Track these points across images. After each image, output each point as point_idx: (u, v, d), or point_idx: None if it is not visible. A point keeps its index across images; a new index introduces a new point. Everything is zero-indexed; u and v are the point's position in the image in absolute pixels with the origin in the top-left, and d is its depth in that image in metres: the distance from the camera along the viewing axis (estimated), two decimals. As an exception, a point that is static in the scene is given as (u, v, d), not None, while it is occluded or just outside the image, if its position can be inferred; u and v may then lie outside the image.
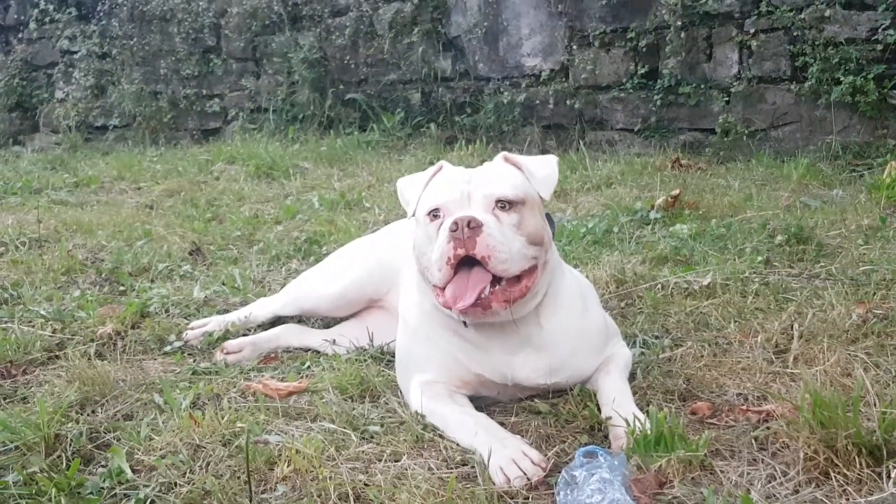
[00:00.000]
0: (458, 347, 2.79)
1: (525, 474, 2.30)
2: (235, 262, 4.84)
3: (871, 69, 6.92)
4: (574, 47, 8.59)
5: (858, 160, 6.83)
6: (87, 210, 6.72)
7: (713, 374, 2.99)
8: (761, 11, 7.43)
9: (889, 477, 2.15)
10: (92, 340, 3.59)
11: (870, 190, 5.65)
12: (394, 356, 3.09)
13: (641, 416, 2.50)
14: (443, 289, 2.61)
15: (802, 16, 7.18)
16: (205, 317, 3.85)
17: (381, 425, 2.70)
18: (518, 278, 2.62)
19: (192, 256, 4.97)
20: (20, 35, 12.55)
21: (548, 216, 2.86)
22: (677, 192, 5.50)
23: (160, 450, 2.55)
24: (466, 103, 9.36)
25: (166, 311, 3.97)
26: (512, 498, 2.25)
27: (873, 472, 2.17)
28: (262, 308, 3.82)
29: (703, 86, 7.84)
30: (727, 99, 7.72)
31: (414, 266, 2.82)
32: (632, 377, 2.96)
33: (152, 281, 4.51)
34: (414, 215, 2.84)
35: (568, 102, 8.63)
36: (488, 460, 2.36)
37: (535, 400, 2.83)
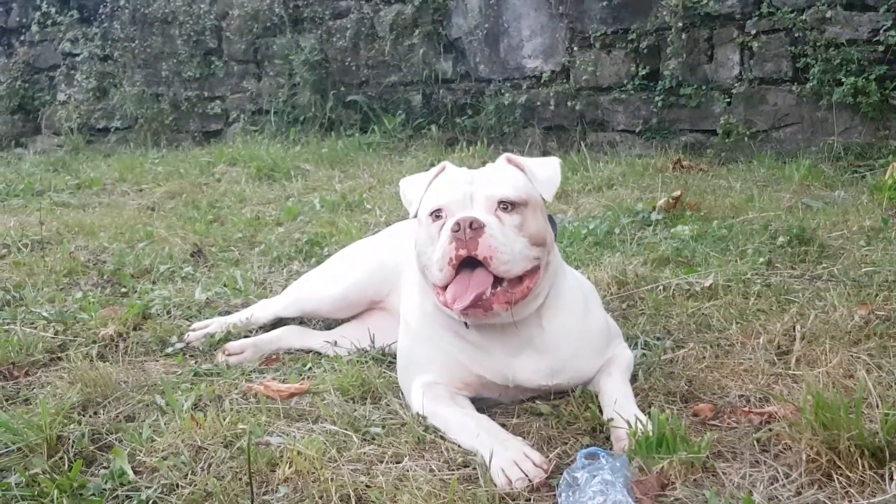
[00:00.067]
0: (459, 349, 2.79)
1: (526, 476, 2.30)
2: (237, 264, 4.84)
3: (873, 70, 6.92)
4: (575, 49, 8.59)
5: (860, 161, 6.83)
6: (89, 212, 6.72)
7: (715, 375, 2.99)
8: (762, 13, 7.43)
9: (892, 479, 2.15)
10: (94, 342, 3.59)
11: (872, 191, 5.65)
12: (395, 358, 3.09)
13: (643, 417, 2.50)
14: (443, 288, 2.61)
15: (804, 17, 7.19)
16: (206, 318, 3.85)
17: (383, 427, 2.70)
18: (520, 279, 2.62)
19: (194, 258, 4.97)
20: (22, 37, 12.55)
21: (550, 218, 2.86)
22: (679, 193, 5.50)
23: (162, 451, 2.55)
24: (467, 105, 9.36)
25: (168, 312, 3.98)
26: (513, 500, 2.25)
27: (876, 474, 2.17)
28: (263, 310, 3.82)
29: (704, 87, 7.83)
30: (728, 100, 7.72)
31: (415, 266, 2.82)
32: (633, 379, 2.96)
33: (154, 282, 4.51)
34: (416, 215, 2.83)
35: (569, 104, 8.63)
36: (490, 462, 2.36)
37: (537, 401, 2.83)
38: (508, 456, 2.35)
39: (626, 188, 6.48)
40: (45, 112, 12.38)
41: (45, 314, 3.87)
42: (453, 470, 2.42)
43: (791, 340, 3.20)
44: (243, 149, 9.20)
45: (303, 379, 3.17)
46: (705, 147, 7.88)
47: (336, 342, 3.51)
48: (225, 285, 4.37)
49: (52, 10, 12.01)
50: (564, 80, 8.77)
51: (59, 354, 3.48)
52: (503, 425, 2.64)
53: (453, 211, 2.64)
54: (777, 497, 2.19)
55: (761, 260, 4.22)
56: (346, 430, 2.66)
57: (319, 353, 3.51)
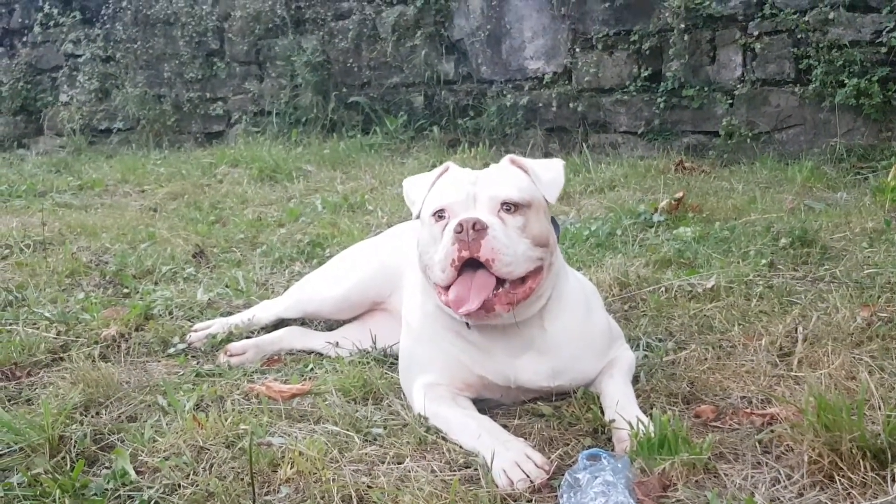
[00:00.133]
0: (461, 349, 2.79)
1: (528, 477, 2.29)
2: (239, 265, 4.84)
3: (876, 71, 6.92)
4: (577, 50, 8.59)
5: (863, 163, 6.83)
6: (92, 213, 6.72)
7: (717, 377, 2.99)
8: (765, 14, 7.43)
9: (894, 480, 2.15)
10: (96, 342, 3.60)
11: (874, 193, 5.64)
12: (397, 359, 3.09)
13: (645, 418, 2.50)
14: (445, 289, 2.61)
15: (806, 18, 7.18)
16: (208, 319, 3.85)
17: (384, 427, 2.70)
18: (522, 280, 2.62)
19: (196, 259, 4.97)
20: (24, 38, 12.57)
21: (552, 219, 2.86)
22: (681, 194, 5.50)
23: (164, 451, 2.55)
24: (469, 106, 9.36)
25: (170, 313, 3.98)
26: (515, 501, 2.24)
27: (878, 476, 2.17)
28: (265, 310, 3.82)
29: (706, 88, 7.83)
30: (731, 101, 7.71)
31: (417, 266, 2.82)
32: (635, 380, 2.96)
33: (156, 283, 4.51)
34: (419, 215, 2.83)
35: (571, 105, 8.63)
36: (491, 463, 2.36)
37: (539, 402, 2.83)
38: (510, 457, 2.35)
39: (627, 190, 6.48)
40: (48, 113, 12.39)
41: (47, 315, 3.87)
42: (455, 471, 2.42)
43: (793, 342, 3.20)
44: (245, 150, 9.21)
45: (304, 380, 3.17)
46: (707, 148, 7.88)
47: (338, 343, 3.51)
48: (227, 286, 4.37)
49: (55, 11, 12.03)
50: (566, 82, 8.77)
51: (62, 355, 3.48)
52: (505, 426, 2.64)
53: (456, 211, 2.64)
54: (779, 498, 2.19)
55: (763, 261, 4.22)
56: (347, 430, 2.66)
57: (321, 354, 3.51)
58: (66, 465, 2.50)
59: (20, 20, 12.56)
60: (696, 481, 2.27)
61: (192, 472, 2.42)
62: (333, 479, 2.33)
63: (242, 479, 2.36)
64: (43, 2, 12.10)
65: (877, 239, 4.55)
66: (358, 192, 7.00)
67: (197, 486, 2.34)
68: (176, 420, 2.77)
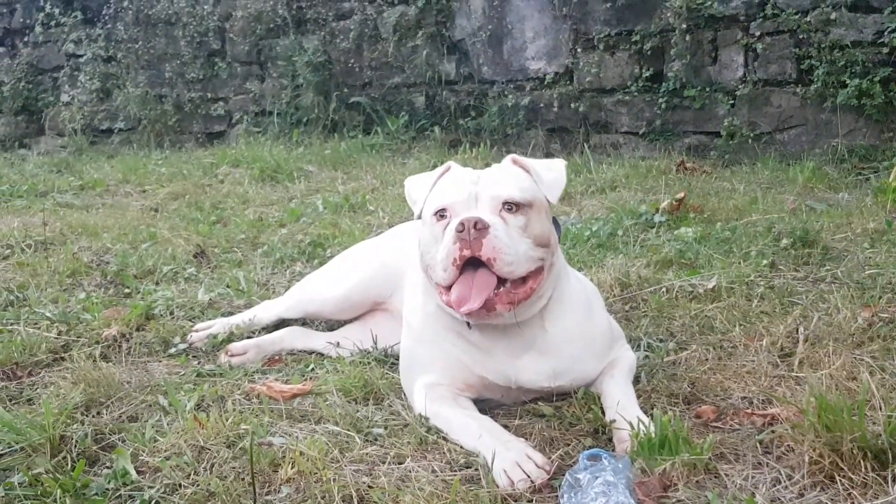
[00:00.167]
0: (462, 350, 2.79)
1: (529, 477, 2.29)
2: (240, 265, 4.84)
3: (878, 72, 6.91)
4: (578, 50, 8.59)
5: (864, 163, 6.83)
6: (93, 213, 6.73)
7: (718, 377, 2.99)
8: (767, 14, 7.42)
9: (895, 481, 2.15)
10: (97, 342, 3.60)
11: (876, 193, 5.64)
12: (397, 359, 3.09)
13: (646, 419, 2.50)
14: (447, 288, 2.61)
15: (808, 18, 7.18)
16: (209, 319, 3.86)
17: (385, 428, 2.70)
18: (523, 280, 2.62)
19: (197, 259, 4.97)
20: (26, 38, 12.57)
21: (554, 220, 2.86)
22: (682, 195, 5.50)
23: (165, 451, 2.55)
24: (470, 106, 9.36)
25: (171, 313, 3.98)
26: (516, 501, 2.25)
27: (878, 476, 2.17)
28: (266, 310, 3.82)
29: (708, 89, 7.83)
30: (732, 102, 7.71)
31: (418, 266, 2.82)
32: (636, 380, 2.96)
33: (157, 283, 4.51)
34: (420, 214, 2.83)
35: (572, 105, 8.63)
36: (492, 463, 2.36)
37: (539, 403, 2.83)
38: (511, 457, 2.35)
39: (629, 190, 6.48)
40: (49, 113, 12.40)
41: (48, 314, 3.87)
42: (455, 471, 2.42)
43: (794, 342, 3.20)
44: (246, 150, 9.21)
45: (305, 380, 3.17)
46: (709, 149, 7.88)
47: (339, 343, 3.51)
48: (228, 286, 4.37)
49: (56, 11, 12.03)
50: (568, 82, 8.77)
51: (63, 355, 3.48)
52: (505, 426, 2.64)
53: (458, 211, 2.64)
54: (779, 499, 2.19)
55: (765, 262, 4.22)
56: (348, 430, 2.66)
57: (322, 354, 3.51)
58: (66, 464, 2.50)
59: (21, 20, 12.56)
60: (697, 481, 2.27)
61: (192, 472, 2.42)
62: (334, 479, 2.34)
63: (243, 479, 2.36)
64: (44, 2, 12.11)
65: (878, 239, 4.55)
66: (359, 192, 7.00)
67: (198, 485, 2.34)
68: (177, 420, 2.77)
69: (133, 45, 11.44)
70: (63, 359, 3.44)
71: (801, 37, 7.28)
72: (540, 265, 2.66)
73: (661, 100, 8.04)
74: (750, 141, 7.56)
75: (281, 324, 3.76)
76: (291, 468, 2.39)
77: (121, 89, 11.54)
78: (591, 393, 2.83)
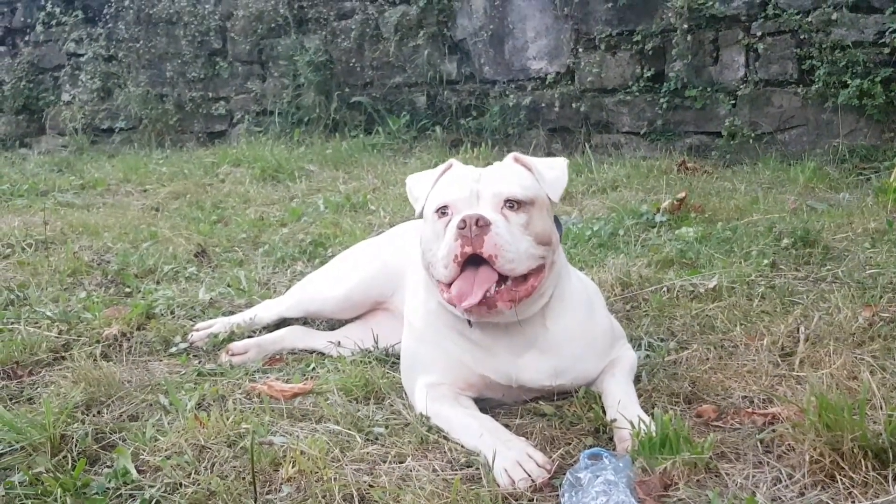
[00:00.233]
0: (463, 349, 2.78)
1: (529, 476, 2.30)
2: (241, 264, 4.84)
3: (879, 72, 6.91)
4: (580, 50, 8.59)
5: (865, 163, 6.82)
6: (94, 212, 6.73)
7: (719, 376, 2.99)
8: (768, 14, 7.42)
9: (895, 480, 2.15)
10: (98, 342, 3.60)
11: (877, 193, 5.64)
12: (398, 358, 3.09)
13: (646, 418, 2.50)
14: (448, 285, 2.61)
15: (809, 19, 7.18)
16: (210, 318, 3.86)
17: (386, 427, 2.70)
18: (524, 278, 2.62)
19: (198, 258, 4.97)
20: (27, 37, 12.57)
21: (555, 219, 2.86)
22: (683, 195, 5.50)
23: (165, 450, 2.55)
24: (472, 106, 9.35)
25: (172, 312, 3.98)
26: (516, 500, 2.25)
27: (879, 475, 2.17)
28: (267, 310, 3.83)
29: (709, 89, 7.82)
30: (734, 102, 7.71)
31: (420, 264, 2.82)
32: (637, 380, 2.96)
33: (158, 283, 4.51)
34: (422, 212, 2.84)
35: (574, 105, 8.63)
36: (493, 462, 2.36)
37: (540, 402, 2.83)
38: (511, 456, 2.35)
39: (630, 190, 6.48)
40: (50, 112, 12.39)
41: (48, 314, 3.87)
42: (456, 470, 2.42)
43: (795, 342, 3.20)
44: (247, 150, 9.21)
45: (306, 379, 3.18)
46: (710, 149, 7.88)
47: (339, 343, 3.51)
48: (229, 286, 4.37)
49: (57, 10, 12.03)
50: (569, 82, 8.77)
51: (63, 354, 3.48)
52: (506, 426, 2.64)
53: (459, 208, 2.64)
54: (780, 498, 2.19)
55: (765, 262, 4.22)
56: (349, 430, 2.66)
57: (323, 354, 3.51)
58: (67, 463, 2.50)
59: (22, 19, 12.56)
60: (698, 481, 2.27)
61: (193, 471, 2.42)
62: (335, 479, 2.34)
63: (244, 478, 2.36)
64: (45, 1, 12.10)
65: (879, 239, 4.55)
66: (360, 191, 7.00)
67: (198, 485, 2.34)
68: (177, 419, 2.77)
69: (134, 45, 11.44)
70: (64, 358, 3.44)
71: (802, 37, 7.28)
72: (541, 263, 2.66)
73: (662, 100, 8.04)
74: (751, 141, 7.56)
75: (282, 323, 3.77)
76: (292, 467, 2.39)
77: (122, 88, 11.55)
78: (592, 392, 2.83)
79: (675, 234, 4.88)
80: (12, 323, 3.80)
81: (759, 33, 7.50)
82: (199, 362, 3.44)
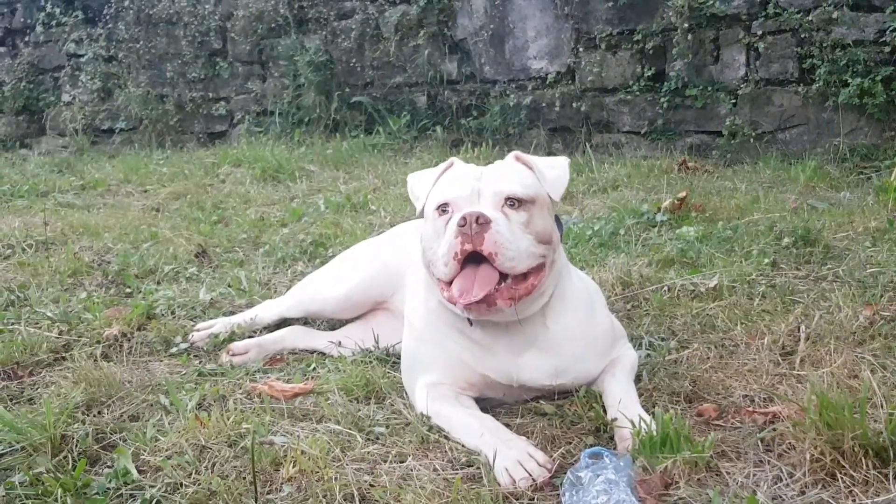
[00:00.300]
0: (463, 348, 2.78)
1: (530, 475, 2.29)
2: (241, 265, 4.84)
3: (879, 71, 6.90)
4: (580, 50, 8.59)
5: (866, 162, 6.82)
6: (94, 213, 6.73)
7: (719, 375, 2.99)
8: (769, 13, 7.42)
9: (896, 478, 2.15)
10: (98, 342, 3.60)
11: (877, 192, 5.63)
12: (399, 358, 3.09)
13: (647, 417, 2.50)
14: (448, 283, 2.61)
15: (810, 18, 7.18)
16: (211, 319, 3.86)
17: (387, 426, 2.70)
18: (525, 276, 2.62)
19: (198, 259, 4.97)
20: (27, 38, 12.57)
21: (556, 218, 2.86)
22: (684, 194, 5.50)
23: (166, 450, 2.55)
24: (472, 106, 9.35)
25: (172, 312, 3.98)
26: (517, 499, 2.24)
27: (880, 474, 2.17)
28: (267, 310, 3.82)
29: (710, 88, 7.82)
30: (734, 101, 7.70)
31: (420, 262, 2.82)
32: (638, 379, 2.96)
33: (158, 283, 4.51)
34: (423, 210, 2.84)
35: (574, 105, 8.63)
36: (493, 461, 2.36)
37: (541, 401, 2.83)
38: (512, 455, 2.35)
39: (631, 189, 6.48)
40: (50, 113, 12.40)
41: (49, 314, 3.87)
42: (457, 469, 2.42)
43: (795, 341, 3.20)
44: (248, 150, 9.21)
45: (307, 379, 3.18)
46: (711, 148, 7.87)
47: (340, 342, 3.51)
48: (229, 286, 4.37)
49: (57, 10, 12.03)
50: (570, 82, 8.77)
51: (64, 354, 3.48)
52: (507, 425, 2.64)
53: (460, 206, 2.64)
54: (781, 496, 2.19)
55: (766, 261, 4.21)
56: (350, 429, 2.66)
57: (323, 354, 3.51)
58: (67, 464, 2.50)
59: (22, 20, 12.56)
60: (698, 479, 2.27)
61: (194, 471, 2.42)
62: (336, 478, 2.34)
63: (245, 478, 2.36)
64: (45, 1, 12.11)
65: (880, 238, 4.55)
66: (361, 191, 7.00)
67: (199, 485, 2.34)
68: (178, 419, 2.77)
69: (134, 45, 11.45)
70: (64, 358, 3.44)
71: (802, 36, 7.27)
72: (541, 262, 2.66)
73: (662, 99, 8.04)
74: (752, 140, 7.56)
75: (282, 323, 3.77)
76: (293, 467, 2.39)
77: (122, 89, 11.55)
78: (593, 391, 2.83)
79: (675, 234, 4.87)
80: (13, 323, 3.80)
81: (759, 32, 7.50)
82: (200, 362, 3.44)
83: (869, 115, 7.02)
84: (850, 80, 6.98)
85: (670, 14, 7.83)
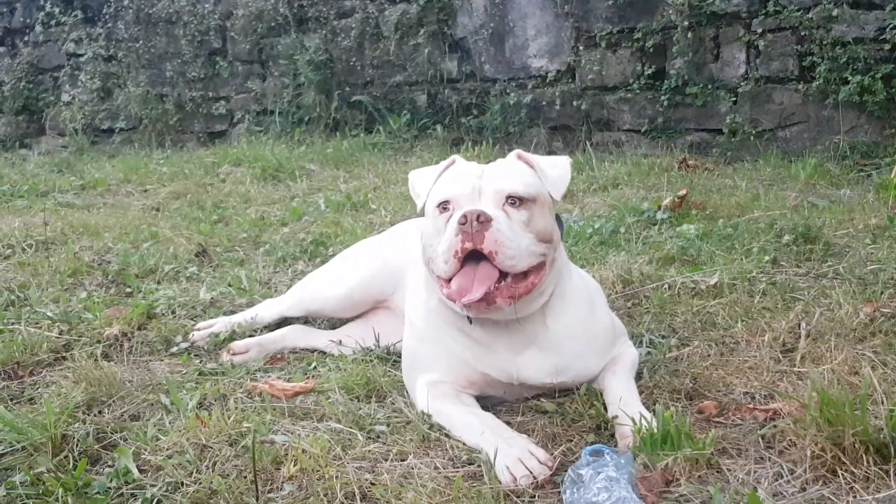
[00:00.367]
0: (464, 346, 2.78)
1: (531, 473, 2.30)
2: (241, 264, 4.84)
3: (879, 69, 6.90)
4: (580, 48, 8.59)
5: (866, 160, 6.82)
6: (94, 212, 6.73)
7: (720, 373, 2.99)
8: (769, 11, 7.42)
9: (897, 475, 2.15)
10: (98, 342, 3.60)
11: (877, 189, 5.63)
12: (399, 356, 3.09)
13: (648, 414, 2.50)
14: (448, 281, 2.61)
15: (810, 15, 7.17)
16: (211, 318, 3.85)
17: (388, 425, 2.70)
18: (525, 275, 2.62)
19: (199, 258, 4.97)
20: (26, 38, 12.58)
21: (557, 217, 2.85)
22: (684, 192, 5.49)
23: (167, 450, 2.55)
24: (473, 105, 9.35)
25: (173, 312, 3.98)
26: (518, 497, 2.25)
27: (881, 470, 2.17)
28: (268, 309, 3.82)
29: (710, 86, 7.82)
30: (734, 99, 7.70)
31: (420, 259, 2.82)
32: (638, 376, 2.96)
33: (159, 282, 4.51)
34: (423, 207, 2.84)
35: (574, 103, 8.63)
36: (494, 459, 2.36)
37: (542, 399, 2.83)
38: (513, 453, 2.35)
39: (631, 187, 6.48)
40: (50, 113, 12.40)
41: (49, 314, 3.87)
42: (458, 468, 2.42)
43: (796, 338, 3.20)
44: (248, 149, 9.21)
45: (307, 378, 3.18)
46: (711, 146, 7.88)
47: (341, 341, 3.51)
48: (230, 285, 4.37)
49: (56, 10, 12.04)
50: (570, 80, 8.77)
51: (64, 354, 3.48)
52: (508, 423, 2.64)
53: (461, 204, 2.64)
54: (782, 493, 2.19)
55: (767, 258, 4.21)
56: (350, 428, 2.66)
57: (324, 353, 3.51)
58: (68, 463, 2.50)
59: (22, 19, 12.56)
60: (699, 476, 2.27)
61: (195, 471, 2.42)
62: (336, 477, 2.33)
63: (245, 477, 2.36)
64: (44, 1, 12.11)
65: (880, 235, 4.55)
66: (361, 190, 7.00)
67: (200, 484, 2.34)
68: (179, 418, 2.77)
69: (134, 44, 11.45)
70: (64, 358, 3.44)
71: (802, 34, 7.27)
72: (542, 260, 2.66)
73: (663, 97, 8.04)
74: (752, 138, 7.56)
75: (283, 322, 3.76)
76: (294, 466, 2.39)
77: (122, 88, 11.56)
78: (594, 389, 2.83)
79: (676, 232, 4.87)
80: (13, 323, 3.80)
81: (759, 30, 7.49)
82: (201, 362, 3.44)
83: (869, 112, 7.02)
84: (850, 78, 6.98)
85: (670, 12, 7.83)
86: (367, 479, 2.34)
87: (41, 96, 12.53)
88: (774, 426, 2.48)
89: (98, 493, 2.32)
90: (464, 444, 2.54)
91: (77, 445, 2.59)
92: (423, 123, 9.53)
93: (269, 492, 2.32)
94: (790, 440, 2.38)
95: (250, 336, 3.60)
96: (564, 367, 2.79)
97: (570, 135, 8.77)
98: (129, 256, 4.92)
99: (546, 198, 2.76)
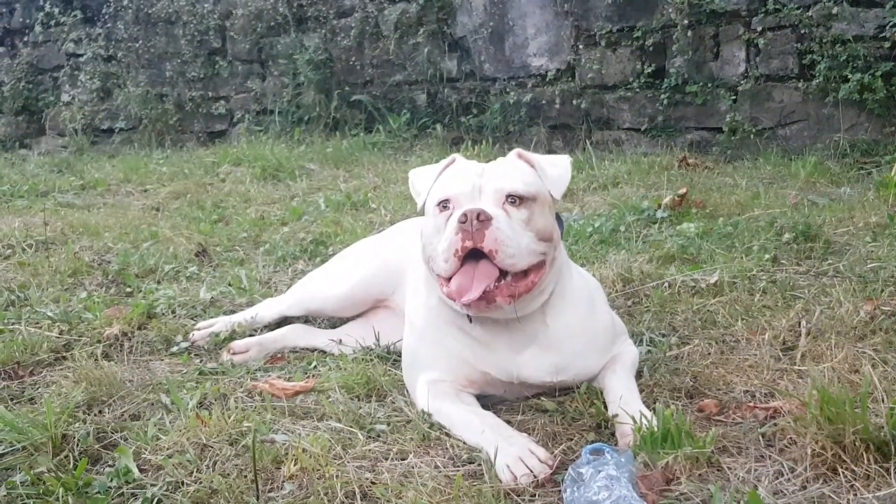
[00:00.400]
0: (464, 345, 2.78)
1: (532, 472, 2.29)
2: (241, 264, 4.84)
3: (879, 66, 6.90)
4: (580, 47, 8.59)
5: (866, 158, 6.82)
6: (94, 212, 6.73)
7: (720, 371, 2.99)
8: (768, 9, 7.42)
9: (898, 473, 2.15)
10: (99, 341, 3.60)
11: (878, 187, 5.63)
12: (400, 356, 3.09)
13: (648, 413, 2.49)
14: (448, 279, 2.61)
15: (810, 13, 7.17)
16: (211, 317, 3.85)
17: (388, 424, 2.70)
18: (525, 274, 2.61)
19: (199, 258, 4.97)
20: (26, 38, 12.58)
21: (557, 215, 2.85)
22: (684, 190, 5.49)
23: (167, 449, 2.55)
24: (472, 104, 9.36)
25: (173, 312, 3.98)
26: (519, 495, 2.24)
27: (881, 468, 2.17)
28: (268, 309, 3.82)
29: (710, 84, 7.82)
30: (734, 97, 7.70)
31: (420, 258, 2.82)
32: (639, 375, 2.96)
33: (159, 282, 4.51)
34: (423, 206, 2.83)
35: (574, 102, 8.63)
36: (495, 458, 2.36)
37: (542, 398, 2.83)
38: (513, 452, 2.35)
39: (631, 186, 6.48)
40: (49, 113, 12.41)
41: (49, 314, 3.87)
42: (458, 466, 2.42)
43: (796, 336, 3.20)
44: (248, 149, 9.21)
45: (308, 377, 3.17)
46: (711, 145, 7.88)
47: (341, 340, 3.51)
48: (230, 285, 4.37)
49: (56, 10, 12.04)
50: (570, 79, 8.77)
51: (64, 354, 3.48)
52: (508, 422, 2.64)
53: (461, 202, 2.64)
54: (782, 491, 2.18)
55: (767, 256, 4.21)
56: (351, 427, 2.66)
57: (324, 352, 3.51)
58: (69, 463, 2.50)
59: (21, 20, 12.57)
60: (700, 475, 2.27)
61: (195, 470, 2.41)
62: (337, 476, 2.33)
63: (246, 477, 2.36)
64: (44, 1, 12.12)
65: (880, 233, 4.55)
66: (361, 190, 7.00)
67: (200, 483, 2.34)
68: (179, 418, 2.77)
69: (133, 44, 11.45)
70: (65, 358, 3.44)
71: (802, 32, 7.27)
72: (542, 259, 2.66)
73: (662, 96, 8.04)
74: (752, 136, 7.56)
75: (283, 322, 3.76)
76: (294, 465, 2.39)
77: (121, 88, 11.56)
78: (594, 388, 2.83)
79: (676, 230, 4.87)
80: (13, 323, 3.80)
81: (759, 28, 7.49)
82: (201, 361, 3.44)
83: (869, 110, 7.02)
84: (850, 76, 6.98)
85: (670, 11, 7.83)
86: (367, 479, 2.33)
87: (41, 96, 12.54)
88: (775, 424, 2.48)
89: (98, 492, 2.32)
90: (464, 442, 2.54)
91: (77, 445, 2.59)
92: (423, 123, 9.54)
93: (269, 491, 2.32)
94: (791, 438, 2.38)
95: (250, 335, 3.60)
96: (565, 365, 2.79)
97: (569, 133, 8.77)
98: (129, 256, 4.92)
99: (546, 197, 2.75)
